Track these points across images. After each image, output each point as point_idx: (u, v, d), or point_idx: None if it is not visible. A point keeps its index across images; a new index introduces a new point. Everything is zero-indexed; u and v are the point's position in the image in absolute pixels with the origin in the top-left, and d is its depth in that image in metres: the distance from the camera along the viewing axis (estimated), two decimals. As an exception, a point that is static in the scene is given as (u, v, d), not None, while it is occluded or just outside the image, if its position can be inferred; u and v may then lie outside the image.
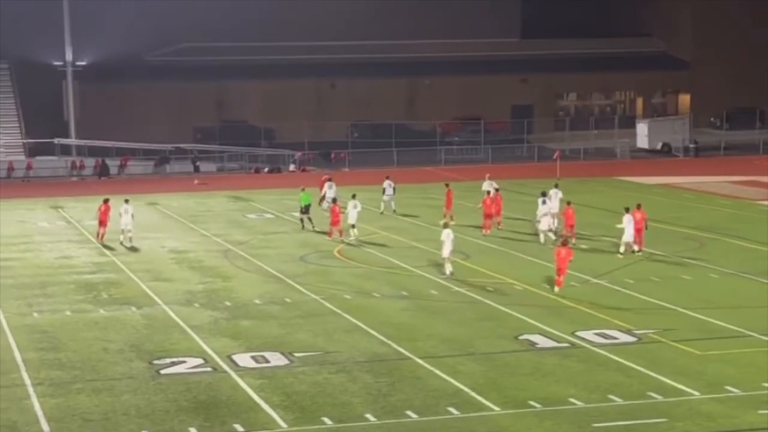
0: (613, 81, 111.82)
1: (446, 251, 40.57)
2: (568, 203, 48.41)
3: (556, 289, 37.68)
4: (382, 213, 57.65)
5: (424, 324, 33.62)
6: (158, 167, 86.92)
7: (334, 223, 49.66)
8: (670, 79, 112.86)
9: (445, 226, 41.98)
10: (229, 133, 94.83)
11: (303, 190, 53.79)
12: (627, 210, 44.72)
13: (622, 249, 44.47)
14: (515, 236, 49.96)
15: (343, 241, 48.83)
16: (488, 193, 52.34)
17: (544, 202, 48.73)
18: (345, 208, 50.04)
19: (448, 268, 40.77)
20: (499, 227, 51.41)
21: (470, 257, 44.77)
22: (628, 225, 44.15)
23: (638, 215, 45.01)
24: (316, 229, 52.03)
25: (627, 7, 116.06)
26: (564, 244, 38.86)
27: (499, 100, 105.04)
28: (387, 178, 59.45)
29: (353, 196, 50.90)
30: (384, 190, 58.45)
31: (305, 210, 52.82)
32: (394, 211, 58.03)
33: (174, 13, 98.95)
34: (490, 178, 57.15)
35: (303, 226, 52.89)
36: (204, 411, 25.52)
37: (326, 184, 58.05)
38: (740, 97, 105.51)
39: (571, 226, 47.20)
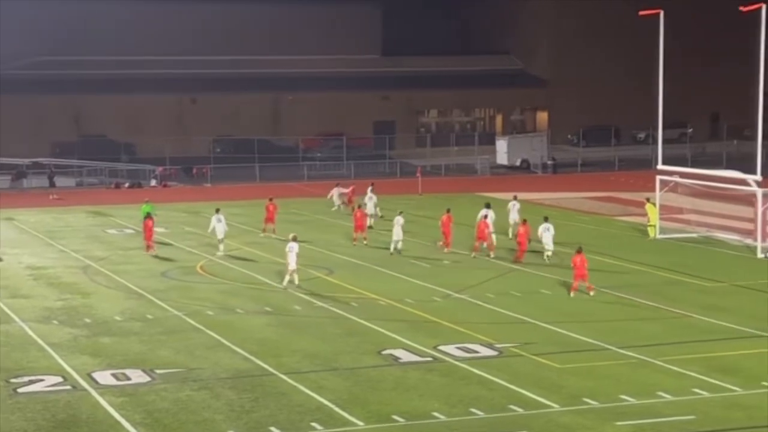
0: (472, 98, 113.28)
1: (291, 263, 41.24)
2: (525, 221, 48.91)
3: (571, 294, 39.63)
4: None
5: (287, 340, 33.56)
6: (15, 182, 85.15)
7: (148, 237, 50.15)
8: (528, 96, 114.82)
9: (294, 239, 42.14)
10: (88, 148, 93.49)
11: (147, 201, 55.44)
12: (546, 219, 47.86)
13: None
14: (379, 252, 50.20)
15: (156, 256, 49.22)
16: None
17: (486, 215, 49.87)
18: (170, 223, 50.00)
19: (287, 280, 41.46)
20: (365, 242, 51.76)
21: (334, 272, 44.86)
22: (545, 233, 46.86)
23: (521, 229, 47.29)
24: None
25: (486, 25, 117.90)
26: (579, 251, 39.92)
27: (362, 116, 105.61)
28: (372, 184, 62.26)
29: (217, 210, 50.79)
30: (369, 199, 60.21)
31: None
32: (382, 217, 58.97)
33: (30, 26, 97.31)
34: (373, 191, 59.40)
35: None
36: (63, 430, 25.05)
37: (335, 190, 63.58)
38: (596, 114, 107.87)
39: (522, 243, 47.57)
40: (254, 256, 49.50)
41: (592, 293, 39.48)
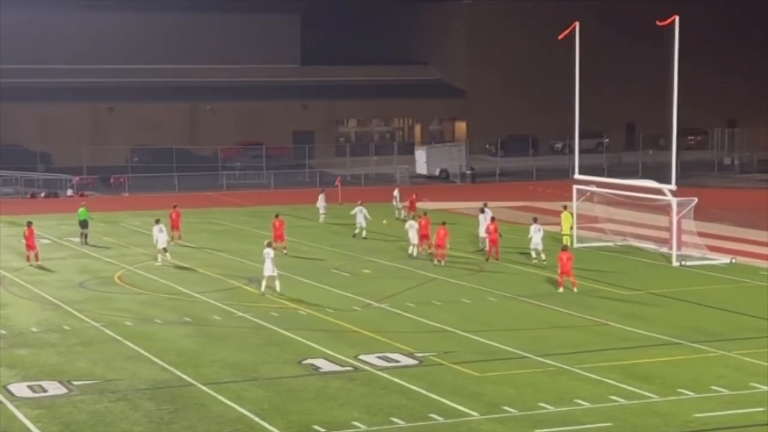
0: (391, 108, 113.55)
1: (267, 269, 41.75)
2: (493, 219, 51.57)
3: (560, 289, 42.08)
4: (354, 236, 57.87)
5: (207, 350, 33.38)
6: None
7: (29, 246, 49.84)
8: (447, 106, 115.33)
9: (269, 245, 42.49)
10: (2, 157, 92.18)
11: (83, 206, 56.83)
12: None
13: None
14: (298, 261, 50.14)
15: (40, 266, 49.05)
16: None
17: (483, 216, 52.56)
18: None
19: (264, 285, 42.02)
20: (285, 252, 51.68)
21: (253, 282, 44.70)
22: (536, 234, 49.25)
23: (491, 228, 50.01)
24: (89, 243, 55.06)
25: (404, 36, 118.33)
26: (564, 249, 43.17)
27: (281, 125, 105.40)
28: (403, 199, 65.10)
29: (157, 221, 50.50)
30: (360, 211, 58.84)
31: (83, 225, 55.51)
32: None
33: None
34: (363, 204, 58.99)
35: (82, 242, 55.28)
36: (-21, 443, 24.74)
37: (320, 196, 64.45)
38: (513, 124, 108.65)
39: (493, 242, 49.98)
40: (172, 265, 49.18)
41: (575, 289, 41.86)
